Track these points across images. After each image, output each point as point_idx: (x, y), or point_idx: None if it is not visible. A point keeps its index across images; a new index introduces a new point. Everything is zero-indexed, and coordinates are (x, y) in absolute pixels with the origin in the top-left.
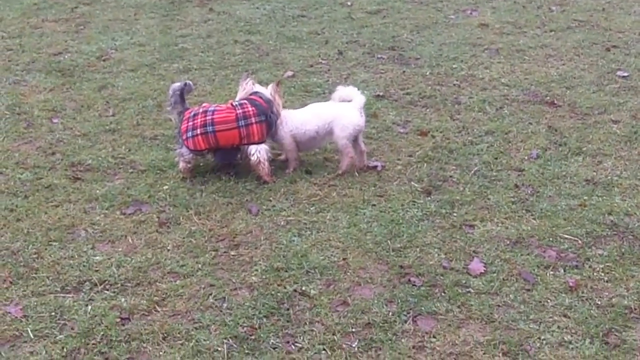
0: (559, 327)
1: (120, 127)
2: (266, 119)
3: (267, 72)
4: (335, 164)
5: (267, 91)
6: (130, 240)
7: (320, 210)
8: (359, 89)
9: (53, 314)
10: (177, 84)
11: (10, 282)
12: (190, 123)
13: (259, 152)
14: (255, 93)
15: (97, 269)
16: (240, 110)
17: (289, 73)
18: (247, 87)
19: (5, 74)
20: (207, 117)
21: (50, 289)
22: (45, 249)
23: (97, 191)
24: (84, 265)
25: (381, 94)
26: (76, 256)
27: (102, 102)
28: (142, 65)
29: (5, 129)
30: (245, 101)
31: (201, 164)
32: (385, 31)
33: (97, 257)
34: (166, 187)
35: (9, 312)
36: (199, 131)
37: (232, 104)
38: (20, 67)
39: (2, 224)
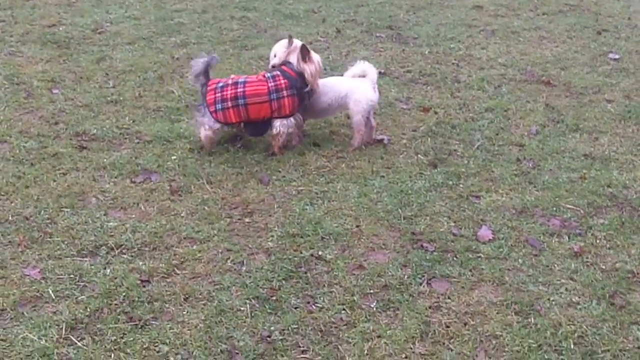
0: (566, 289)
1: (123, 99)
2: (297, 92)
3: (266, 47)
4: (342, 137)
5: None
6: (142, 208)
7: (330, 181)
8: None
9: (72, 276)
10: (203, 58)
11: (25, 246)
12: (219, 94)
13: (282, 125)
14: (287, 64)
15: (112, 234)
16: (273, 83)
17: None
18: (292, 49)
19: (0, 45)
20: (239, 89)
21: (66, 253)
22: (58, 215)
23: (105, 160)
24: (98, 231)
25: (382, 71)
26: (90, 222)
27: (102, 74)
28: (139, 39)
29: (6, 99)
30: (278, 73)
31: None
32: (382, 10)
33: (111, 223)
34: (174, 157)
35: (27, 275)
36: (229, 104)
37: (263, 76)
38: (14, 39)
39: (11, 191)
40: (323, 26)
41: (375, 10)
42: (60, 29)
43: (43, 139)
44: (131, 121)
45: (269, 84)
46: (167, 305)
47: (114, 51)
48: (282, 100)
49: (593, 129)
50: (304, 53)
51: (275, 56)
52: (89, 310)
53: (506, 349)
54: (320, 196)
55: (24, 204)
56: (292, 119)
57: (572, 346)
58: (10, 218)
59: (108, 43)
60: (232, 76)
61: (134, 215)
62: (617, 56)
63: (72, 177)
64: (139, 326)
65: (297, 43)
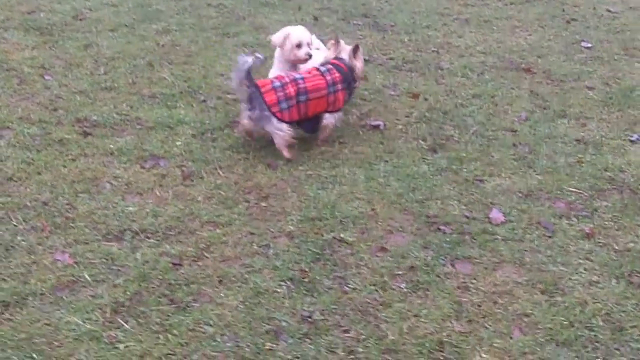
0: (585, 269)
1: (117, 85)
2: (348, 86)
3: (248, 35)
4: (341, 123)
5: (347, 55)
6: (157, 193)
7: (336, 166)
8: None
9: (104, 260)
10: (245, 59)
11: (50, 232)
12: (281, 93)
13: (332, 117)
14: (338, 58)
15: (133, 218)
16: (330, 77)
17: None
18: (339, 48)
19: None
20: (300, 85)
21: (92, 238)
22: (76, 200)
23: (111, 146)
24: (119, 215)
25: (366, 58)
26: (109, 207)
27: (91, 60)
28: (120, 25)
29: None
30: (331, 67)
31: (207, 122)
32: None
33: (131, 208)
34: (179, 142)
35: (58, 260)
36: (294, 101)
37: (317, 70)
38: None
39: (23, 177)
40: (300, 14)
41: None
42: (41, 15)
43: (45, 125)
44: (129, 107)
45: (327, 78)
46: (203, 288)
47: (98, 38)
48: (337, 93)
49: (579, 114)
50: (356, 50)
51: (309, 46)
52: (128, 293)
53: (539, 326)
54: (330, 180)
55: (39, 189)
56: (340, 112)
57: (600, 323)
58: (28, 204)
59: (91, 30)
60: (278, 75)
61: (151, 200)
62: (589, 45)
63: (82, 163)
64: (181, 308)
65: (342, 42)
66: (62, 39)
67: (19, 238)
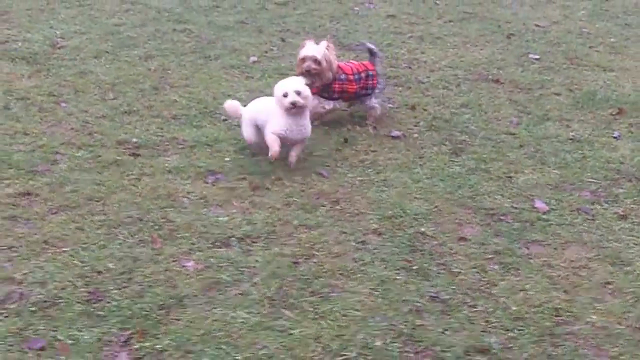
0: (634, 243)
1: (136, 109)
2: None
3: (228, 57)
4: (367, 130)
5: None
6: (236, 204)
7: (380, 172)
8: None
9: (229, 263)
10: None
11: (162, 243)
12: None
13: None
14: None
15: (230, 227)
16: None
17: (254, 58)
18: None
19: None
20: None
21: (203, 246)
22: (167, 214)
23: (165, 165)
24: (216, 225)
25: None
26: (202, 218)
27: (94, 87)
28: (101, 52)
29: (20, 114)
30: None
31: (240, 139)
32: (306, 20)
33: (221, 218)
34: (227, 159)
35: (186, 266)
36: None
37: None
38: None
39: (102, 197)
40: (265, 35)
41: (300, 20)
42: (19, 44)
43: (92, 149)
44: (159, 129)
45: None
46: (330, 281)
47: (87, 66)
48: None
49: (559, 117)
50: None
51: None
52: (272, 289)
53: (624, 291)
54: (383, 184)
55: (124, 207)
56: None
57: None
58: (124, 220)
59: (75, 57)
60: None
61: (234, 211)
62: (537, 56)
63: (148, 182)
64: (324, 298)
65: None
66: (54, 67)
67: (137, 251)
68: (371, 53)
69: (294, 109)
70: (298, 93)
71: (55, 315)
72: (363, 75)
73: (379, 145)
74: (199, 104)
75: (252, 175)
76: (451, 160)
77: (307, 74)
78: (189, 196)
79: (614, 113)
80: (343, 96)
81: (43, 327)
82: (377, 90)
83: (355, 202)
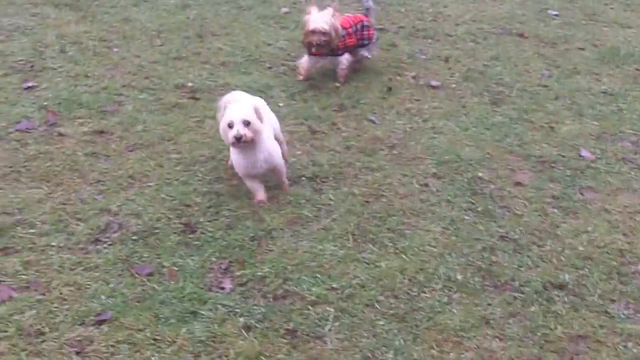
0: None
1: (185, 56)
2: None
3: (261, 7)
4: (408, 85)
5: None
6: (298, 146)
7: (427, 120)
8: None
9: (305, 201)
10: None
11: (238, 180)
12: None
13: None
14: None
15: (299, 167)
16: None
17: (285, 9)
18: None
19: (19, 8)
20: None
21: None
22: None
23: None
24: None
25: (382, 26)
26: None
27: (140, 33)
28: (139, 1)
29: (77, 57)
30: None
31: (290, 86)
32: None
33: (289, 159)
34: (281, 104)
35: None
36: None
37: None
38: (24, 0)
39: (172, 136)
40: None
41: None
42: None
43: (153, 92)
44: (210, 74)
45: None
46: (403, 219)
47: (128, 13)
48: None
49: (588, 71)
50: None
51: None
52: (352, 225)
53: None
54: (433, 131)
55: (195, 147)
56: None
57: None
58: (199, 159)
59: (115, 5)
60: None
61: (299, 152)
62: (556, 12)
63: (212, 124)
64: (400, 234)
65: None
66: (98, 14)
67: (217, 187)
68: (367, 9)
69: (240, 144)
70: (246, 124)
71: (155, 244)
72: (359, 26)
73: (421, 95)
74: (244, 52)
75: (309, 120)
76: (493, 110)
77: (316, 46)
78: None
79: (639, 68)
80: (347, 50)
81: (147, 255)
82: (373, 40)
83: (410, 147)
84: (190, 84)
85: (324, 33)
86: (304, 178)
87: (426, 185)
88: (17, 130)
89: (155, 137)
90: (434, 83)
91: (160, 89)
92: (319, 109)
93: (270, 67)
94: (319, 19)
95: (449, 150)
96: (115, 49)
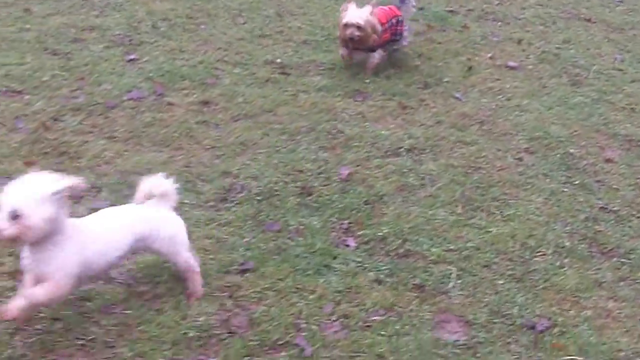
0: None
1: (269, 34)
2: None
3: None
4: (488, 65)
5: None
6: (390, 120)
7: (509, 98)
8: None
9: (409, 169)
10: None
11: (340, 151)
12: None
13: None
14: None
15: (394, 139)
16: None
17: None
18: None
19: None
20: None
21: (378, 154)
22: (335, 126)
23: (315, 84)
24: (382, 138)
25: (453, 9)
26: (368, 131)
27: (223, 11)
28: None
29: (168, 33)
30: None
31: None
32: None
33: (384, 132)
34: (367, 81)
35: (377, 170)
36: None
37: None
38: None
39: (272, 108)
40: None
41: None
42: None
43: (245, 67)
44: (295, 52)
45: None
46: (504, 189)
47: None
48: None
49: None
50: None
51: None
52: (457, 193)
53: None
54: (519, 109)
55: (295, 118)
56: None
57: None
58: (301, 130)
59: None
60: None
61: (392, 126)
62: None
63: (306, 98)
64: (505, 203)
65: None
66: None
67: (322, 155)
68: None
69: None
70: (14, 217)
71: (278, 205)
72: (394, 21)
73: (500, 75)
74: (323, 31)
75: (396, 96)
76: (573, 92)
77: (350, 41)
78: (347, 112)
79: None
80: (381, 45)
81: (273, 214)
82: (404, 34)
83: (498, 124)
84: (279, 60)
85: (358, 27)
86: (402, 149)
87: (520, 159)
88: (129, 99)
89: (256, 109)
90: (511, 64)
91: (252, 64)
92: (404, 86)
93: None
94: (355, 14)
95: (537, 127)
96: (202, 26)
